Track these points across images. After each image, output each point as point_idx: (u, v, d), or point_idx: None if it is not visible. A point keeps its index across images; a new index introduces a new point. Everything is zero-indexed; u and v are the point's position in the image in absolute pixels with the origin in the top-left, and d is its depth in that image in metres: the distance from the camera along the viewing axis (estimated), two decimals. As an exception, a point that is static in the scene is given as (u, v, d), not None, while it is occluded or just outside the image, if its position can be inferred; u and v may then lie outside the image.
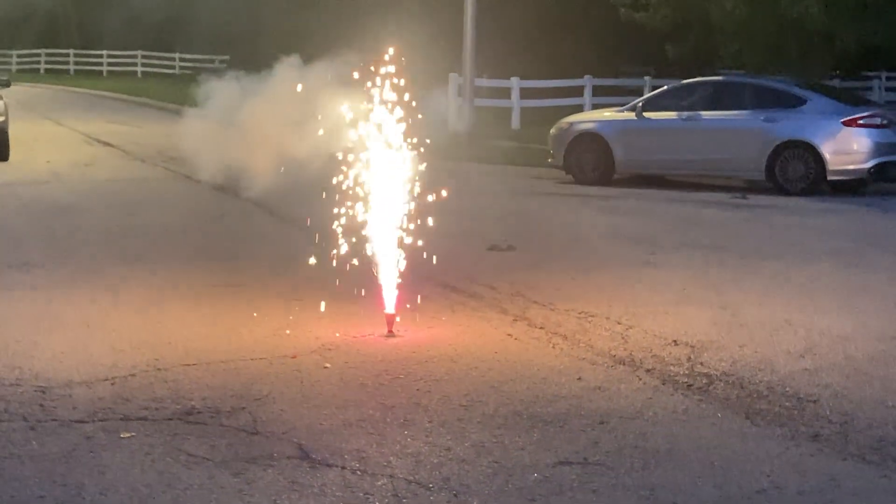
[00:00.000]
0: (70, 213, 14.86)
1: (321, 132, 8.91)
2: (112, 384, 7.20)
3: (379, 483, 5.63)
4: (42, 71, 64.41)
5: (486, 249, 12.23)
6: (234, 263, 11.48)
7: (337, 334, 8.47)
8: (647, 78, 32.71)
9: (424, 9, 32.01)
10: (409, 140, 8.69)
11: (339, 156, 8.73)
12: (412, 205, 8.72)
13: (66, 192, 17.11)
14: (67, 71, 63.99)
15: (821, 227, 14.90)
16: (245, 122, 11.01)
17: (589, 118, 21.37)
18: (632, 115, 19.86)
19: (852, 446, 6.27)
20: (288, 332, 8.59)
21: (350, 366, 7.71)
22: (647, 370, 7.67)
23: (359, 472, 5.75)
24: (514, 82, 30.77)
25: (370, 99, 8.63)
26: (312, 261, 8.90)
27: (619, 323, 8.96)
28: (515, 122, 30.49)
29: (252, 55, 26.16)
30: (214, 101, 12.04)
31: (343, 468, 5.80)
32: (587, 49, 36.60)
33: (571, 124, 20.57)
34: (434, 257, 9.07)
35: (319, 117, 8.90)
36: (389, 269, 8.71)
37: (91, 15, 62.64)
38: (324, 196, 8.85)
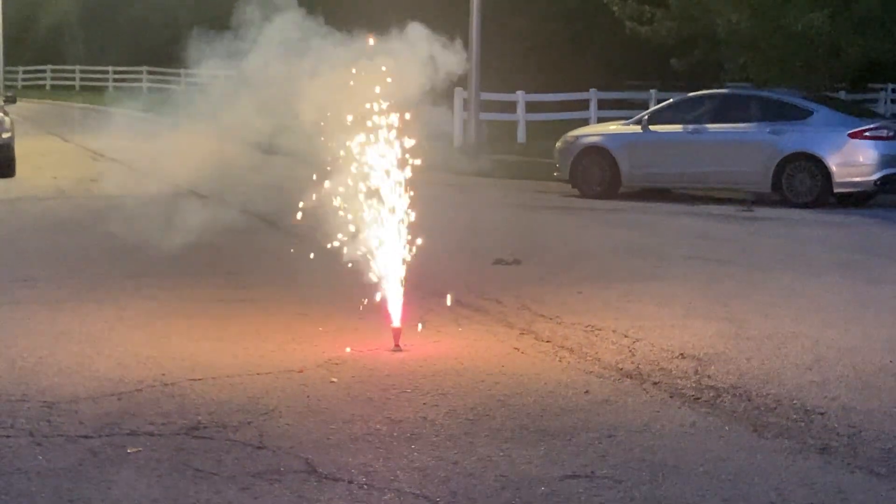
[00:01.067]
0: (76, 229, 14.88)
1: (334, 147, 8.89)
2: (118, 399, 7.19)
3: (386, 497, 5.62)
4: (48, 87, 64.52)
5: (491, 263, 12.22)
6: (239, 278, 11.48)
7: (347, 349, 8.44)
8: (652, 91, 32.70)
9: (428, 23, 32.03)
10: (414, 155, 8.68)
11: (348, 162, 8.70)
12: (417, 219, 8.71)
13: (72, 207, 17.13)
14: (73, 86, 64.10)
15: (827, 239, 14.88)
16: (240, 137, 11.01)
17: (594, 132, 21.36)
18: (637, 129, 19.86)
19: (861, 459, 6.24)
20: (294, 346, 8.59)
21: (357, 380, 7.70)
22: (655, 383, 7.65)
23: (366, 487, 5.74)
24: (520, 96, 30.79)
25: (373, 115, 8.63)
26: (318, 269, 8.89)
27: (625, 336, 8.94)
28: (521, 135, 30.52)
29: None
30: (213, 113, 12.02)
31: (350, 482, 5.79)
32: (592, 62, 36.67)
33: (577, 138, 20.58)
34: (440, 271, 9.06)
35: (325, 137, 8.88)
36: (395, 283, 8.71)
37: (97, 31, 62.70)
38: (324, 210, 8.85)
